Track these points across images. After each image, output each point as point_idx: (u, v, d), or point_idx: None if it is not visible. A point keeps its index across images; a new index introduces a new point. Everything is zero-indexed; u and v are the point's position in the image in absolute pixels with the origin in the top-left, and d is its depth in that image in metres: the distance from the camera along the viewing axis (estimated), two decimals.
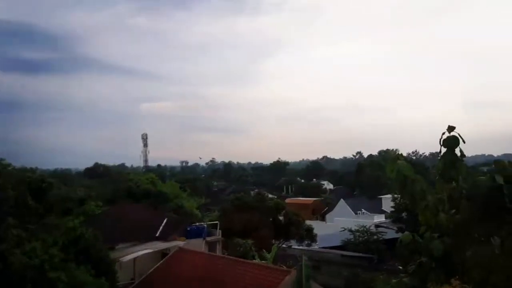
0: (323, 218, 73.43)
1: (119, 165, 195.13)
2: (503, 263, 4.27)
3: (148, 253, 27.94)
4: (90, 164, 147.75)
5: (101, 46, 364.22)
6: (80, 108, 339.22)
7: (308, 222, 48.96)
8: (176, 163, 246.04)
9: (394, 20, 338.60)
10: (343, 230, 48.52)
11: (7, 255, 15.58)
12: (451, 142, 4.66)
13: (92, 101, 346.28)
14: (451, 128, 4.64)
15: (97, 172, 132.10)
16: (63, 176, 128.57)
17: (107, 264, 23.32)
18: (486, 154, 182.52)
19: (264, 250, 34.09)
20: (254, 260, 28.14)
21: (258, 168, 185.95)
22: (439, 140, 4.71)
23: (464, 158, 4.67)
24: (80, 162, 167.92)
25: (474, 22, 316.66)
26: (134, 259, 27.20)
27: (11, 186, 19.98)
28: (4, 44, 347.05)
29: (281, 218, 44.60)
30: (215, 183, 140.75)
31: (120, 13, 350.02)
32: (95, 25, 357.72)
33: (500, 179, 4.29)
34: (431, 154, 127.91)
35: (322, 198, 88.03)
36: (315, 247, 46.27)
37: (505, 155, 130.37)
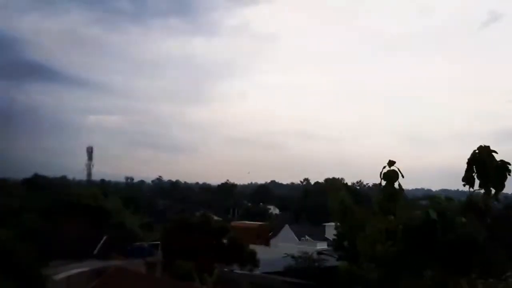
0: (267, 243, 73.37)
1: (61, 177, 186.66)
2: None
3: (83, 271, 26.78)
4: (29, 174, 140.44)
5: (49, 53, 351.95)
6: (20, 115, 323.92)
7: (252, 246, 48.74)
8: (121, 178, 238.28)
9: (346, 56, 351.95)
10: (286, 256, 48.68)
11: None
12: (390, 176, 4.85)
13: (34, 109, 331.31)
14: (391, 163, 4.84)
15: (37, 183, 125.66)
16: None
17: (39, 281, 22.10)
18: (425, 188, 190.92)
19: (206, 274, 33.54)
20: (194, 283, 27.62)
21: (205, 189, 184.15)
22: (379, 173, 4.89)
23: (402, 192, 4.87)
24: (18, 171, 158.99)
25: (416, 63, 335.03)
26: (68, 277, 25.96)
27: None
28: None
29: (225, 241, 44.19)
30: (160, 202, 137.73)
31: (74, 22, 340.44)
32: (44, 31, 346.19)
33: (433, 214, 4.51)
34: (374, 185, 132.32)
35: (268, 223, 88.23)
36: (257, 272, 46.02)
37: (443, 190, 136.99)
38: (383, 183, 4.90)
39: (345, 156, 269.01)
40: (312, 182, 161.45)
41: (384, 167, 4.86)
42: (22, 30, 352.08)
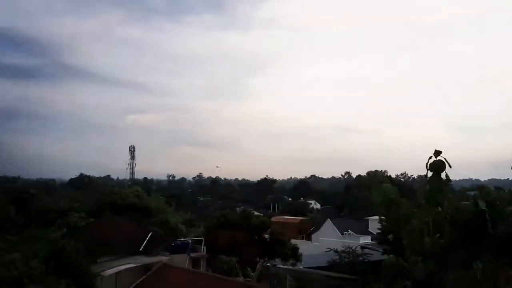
0: (309, 238, 73.09)
1: (104, 177, 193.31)
2: None
3: (131, 267, 27.55)
4: (75, 174, 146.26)
5: (89, 54, 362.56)
6: (65, 117, 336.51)
7: (293, 241, 48.74)
8: (162, 176, 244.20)
9: (385, 43, 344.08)
10: (329, 251, 48.33)
11: None
12: (437, 166, 4.75)
13: (77, 111, 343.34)
14: (437, 153, 4.73)
15: (82, 183, 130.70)
16: (47, 186, 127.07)
17: (88, 278, 22.94)
18: (473, 179, 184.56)
19: (249, 268, 33.87)
20: (238, 278, 27.95)
21: (245, 185, 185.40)
22: (425, 164, 4.80)
23: (450, 183, 4.75)
24: (65, 172, 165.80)
25: (466, 49, 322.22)
26: (116, 273, 26.77)
27: None
28: None
29: (266, 236, 44.39)
30: (201, 199, 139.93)
31: (109, 22, 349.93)
32: (83, 33, 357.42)
33: (483, 205, 4.38)
34: (419, 176, 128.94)
35: (309, 218, 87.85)
36: (300, 266, 45.98)
37: (491, 180, 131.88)
38: (429, 174, 4.81)
39: (387, 148, 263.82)
40: (354, 176, 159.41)
41: (430, 157, 4.77)
42: (61, 33, 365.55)
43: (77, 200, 71.67)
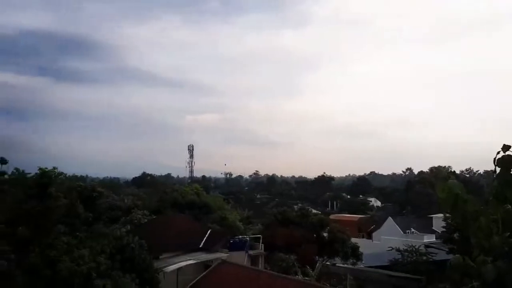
0: (369, 236, 71.63)
1: (165, 175, 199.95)
2: None
3: (192, 264, 28.27)
4: (138, 173, 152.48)
5: (148, 57, 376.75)
6: (127, 118, 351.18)
7: (353, 239, 47.91)
8: (220, 174, 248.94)
9: (443, 35, 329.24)
10: (391, 250, 47.14)
11: (56, 261, 16.26)
12: (506, 162, 4.48)
13: (138, 112, 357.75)
14: (506, 148, 4.47)
15: (144, 182, 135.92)
16: (112, 184, 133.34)
17: (152, 273, 23.81)
18: None
19: (308, 267, 33.70)
20: (297, 276, 27.87)
21: (302, 182, 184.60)
22: (493, 159, 4.55)
23: None
24: (128, 171, 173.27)
25: None
26: (178, 269, 27.58)
27: (63, 194, 20.91)
28: (55, 55, 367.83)
29: (325, 234, 43.94)
30: (258, 196, 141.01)
31: (165, 26, 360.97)
32: (141, 37, 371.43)
33: None
34: (486, 172, 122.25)
35: (369, 216, 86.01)
36: (360, 265, 45.16)
37: None
38: (498, 169, 4.55)
39: (451, 144, 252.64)
40: (416, 172, 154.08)
41: (498, 152, 4.51)
42: (121, 38, 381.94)
43: (140, 197, 74.74)
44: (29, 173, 25.87)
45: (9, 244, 15.50)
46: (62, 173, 31.44)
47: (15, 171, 26.59)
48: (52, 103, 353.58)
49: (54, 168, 25.55)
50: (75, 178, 43.24)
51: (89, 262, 17.74)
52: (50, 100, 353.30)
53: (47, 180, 19.56)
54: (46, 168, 22.08)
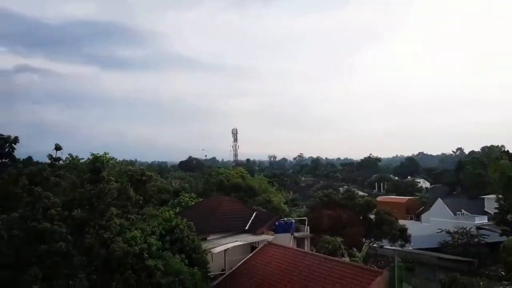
0: (418, 218, 70.17)
1: (210, 159, 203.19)
2: None
3: (238, 245, 28.74)
4: (184, 157, 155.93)
5: (189, 43, 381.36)
6: (172, 104, 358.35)
7: (401, 221, 47.14)
8: (264, 158, 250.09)
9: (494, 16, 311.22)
10: (440, 232, 46.14)
11: (110, 243, 17.02)
12: None
13: (183, 97, 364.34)
14: None
15: (191, 165, 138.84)
16: (160, 168, 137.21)
17: (200, 254, 24.46)
18: None
19: (354, 249, 33.50)
20: (343, 258, 27.79)
21: (347, 164, 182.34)
22: None
23: None
24: (175, 155, 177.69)
25: None
26: (225, 250, 28.13)
27: (114, 178, 21.77)
28: (101, 43, 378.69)
29: (372, 216, 43.45)
30: (302, 179, 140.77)
31: (208, 11, 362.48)
32: (183, 23, 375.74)
33: None
34: None
35: (418, 197, 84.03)
36: (408, 248, 44.46)
37: None
38: None
39: (505, 122, 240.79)
40: (467, 152, 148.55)
41: None
42: (161, 24, 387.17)
43: (187, 181, 76.53)
44: (82, 159, 27.09)
45: (66, 226, 16.34)
46: (112, 158, 32.72)
47: (69, 156, 27.92)
48: (100, 91, 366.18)
49: (105, 153, 26.63)
50: (125, 162, 44.70)
51: (141, 243, 18.43)
52: (98, 88, 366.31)
53: (100, 165, 20.40)
54: (98, 153, 23.03)
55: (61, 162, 21.98)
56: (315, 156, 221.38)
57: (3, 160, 18.78)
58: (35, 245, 15.18)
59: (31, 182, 17.64)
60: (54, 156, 19.65)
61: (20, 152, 19.17)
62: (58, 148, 19.58)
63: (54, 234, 15.34)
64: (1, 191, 17.19)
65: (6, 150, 18.68)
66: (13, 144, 18.67)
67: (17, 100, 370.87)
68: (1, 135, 18.43)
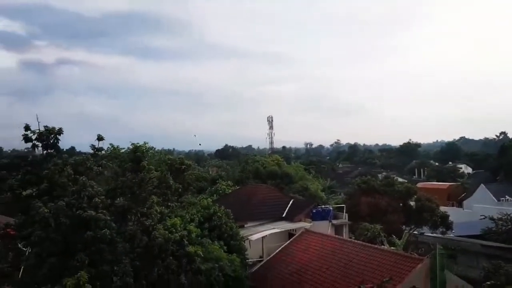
0: (460, 205, 68.45)
1: (246, 147, 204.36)
2: None
3: (276, 232, 28.93)
4: (220, 146, 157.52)
5: (224, 30, 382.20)
6: (208, 92, 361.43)
7: (442, 208, 46.08)
8: (300, 145, 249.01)
9: None
10: (483, 218, 44.77)
11: (152, 230, 17.48)
12: None
13: (219, 85, 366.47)
14: None
15: (227, 153, 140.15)
16: (197, 156, 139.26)
17: (238, 241, 24.78)
18: None
19: (394, 236, 33.05)
20: (383, 246, 27.48)
21: (386, 150, 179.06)
22: None
23: None
24: (211, 143, 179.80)
25: None
26: (262, 237, 28.38)
27: (154, 167, 22.27)
28: (137, 34, 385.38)
29: (412, 203, 42.68)
30: (340, 166, 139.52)
31: None
32: (217, 10, 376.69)
33: None
34: None
35: (459, 183, 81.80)
36: (450, 235, 43.49)
37: None
38: None
39: None
40: (511, 136, 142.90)
41: None
42: (196, 12, 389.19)
43: (223, 169, 77.35)
44: (122, 148, 27.79)
45: (110, 214, 16.88)
46: (152, 147, 33.43)
47: (110, 146, 28.71)
48: (137, 82, 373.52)
49: (145, 143, 27.24)
50: (163, 152, 45.63)
51: (181, 230, 18.85)
52: (135, 78, 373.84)
53: (140, 155, 20.86)
54: (138, 143, 23.57)
55: (103, 152, 22.65)
56: (352, 143, 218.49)
57: (49, 151, 19.40)
58: (81, 233, 15.75)
59: (75, 171, 18.24)
60: (96, 146, 20.21)
61: (63, 143, 19.86)
62: (100, 138, 20.12)
63: (99, 221, 15.85)
64: (48, 180, 17.85)
65: (51, 141, 19.27)
66: (57, 135, 19.23)
67: (59, 92, 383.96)
68: (46, 126, 19.04)
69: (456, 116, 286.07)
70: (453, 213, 47.41)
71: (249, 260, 26.18)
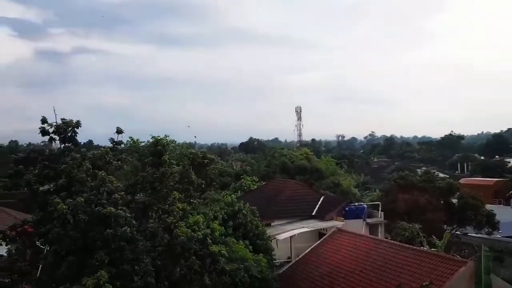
0: (507, 203, 67.09)
1: (272, 140, 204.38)
2: None
3: (305, 232, 28.96)
4: (245, 138, 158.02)
5: (247, 16, 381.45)
6: (231, 82, 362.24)
7: (488, 206, 45.29)
8: (331, 137, 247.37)
9: None
10: None
11: (173, 227, 17.73)
12: None
13: (242, 74, 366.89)
14: None
15: (252, 147, 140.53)
16: (220, 150, 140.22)
17: (264, 240, 24.92)
18: None
19: (434, 236, 32.65)
20: (422, 247, 27.19)
21: (425, 143, 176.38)
22: None
23: None
24: (235, 136, 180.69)
25: None
26: (291, 237, 28.46)
27: (175, 162, 22.55)
28: (157, 21, 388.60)
29: (454, 201, 42.10)
30: (374, 160, 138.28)
31: None
32: None
33: None
34: None
35: (507, 179, 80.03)
36: (497, 235, 42.77)
37: None
38: None
39: None
40: None
41: None
42: None
43: (248, 163, 77.67)
44: (142, 142, 28.30)
45: (130, 211, 17.19)
46: (173, 140, 33.87)
47: (129, 140, 29.27)
48: (157, 71, 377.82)
49: (166, 135, 27.56)
50: (185, 145, 46.17)
51: (204, 228, 19.06)
52: (155, 67, 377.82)
53: (161, 148, 21.13)
54: (158, 136, 23.92)
55: (122, 145, 23.05)
56: (388, 135, 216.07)
57: (66, 144, 19.85)
58: (100, 230, 16.10)
59: (94, 166, 18.61)
60: (115, 139, 20.56)
61: (81, 136, 20.24)
62: (119, 131, 20.40)
63: (118, 218, 16.16)
64: (66, 175, 18.29)
65: (69, 134, 19.71)
66: (75, 128, 19.66)
67: (76, 83, 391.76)
68: (64, 119, 19.48)
69: (502, 106, 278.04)
70: (500, 211, 46.64)
71: (277, 261, 26.32)
